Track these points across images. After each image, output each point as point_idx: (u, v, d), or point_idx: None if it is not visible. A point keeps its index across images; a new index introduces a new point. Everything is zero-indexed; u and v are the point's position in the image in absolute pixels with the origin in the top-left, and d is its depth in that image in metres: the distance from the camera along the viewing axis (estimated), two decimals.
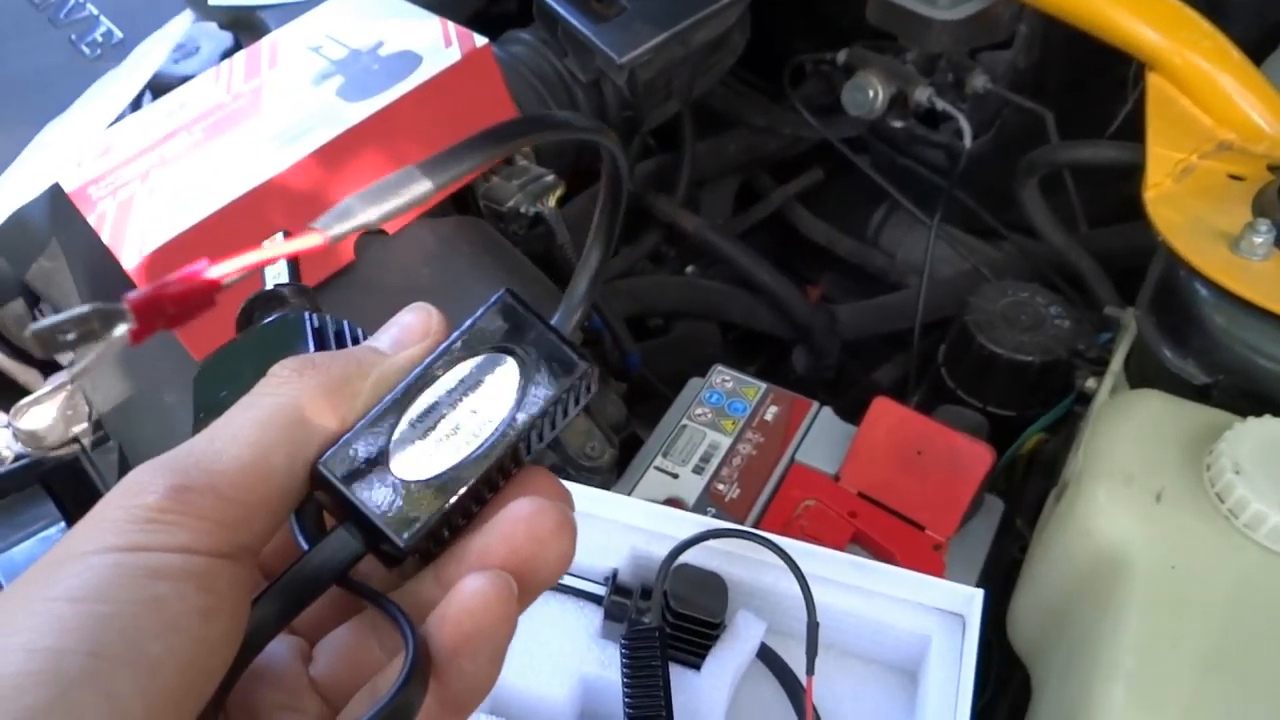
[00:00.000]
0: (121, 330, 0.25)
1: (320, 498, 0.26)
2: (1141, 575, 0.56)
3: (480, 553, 0.26)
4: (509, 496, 0.27)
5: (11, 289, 0.96)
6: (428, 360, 0.27)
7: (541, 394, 0.27)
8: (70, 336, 0.24)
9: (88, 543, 0.22)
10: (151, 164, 0.72)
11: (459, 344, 0.27)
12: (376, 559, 0.26)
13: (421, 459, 0.26)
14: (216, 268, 0.26)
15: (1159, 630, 0.54)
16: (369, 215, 0.27)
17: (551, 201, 0.77)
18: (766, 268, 1.04)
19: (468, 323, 0.28)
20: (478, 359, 0.27)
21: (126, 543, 0.22)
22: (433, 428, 0.26)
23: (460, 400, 0.27)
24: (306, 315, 0.32)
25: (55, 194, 0.75)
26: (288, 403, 0.26)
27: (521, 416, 0.27)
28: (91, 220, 0.70)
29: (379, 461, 0.26)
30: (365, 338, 0.32)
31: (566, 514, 0.26)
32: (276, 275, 0.34)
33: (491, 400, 0.27)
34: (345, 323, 0.33)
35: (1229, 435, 0.58)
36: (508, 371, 0.27)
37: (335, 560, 0.26)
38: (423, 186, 0.27)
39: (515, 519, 0.26)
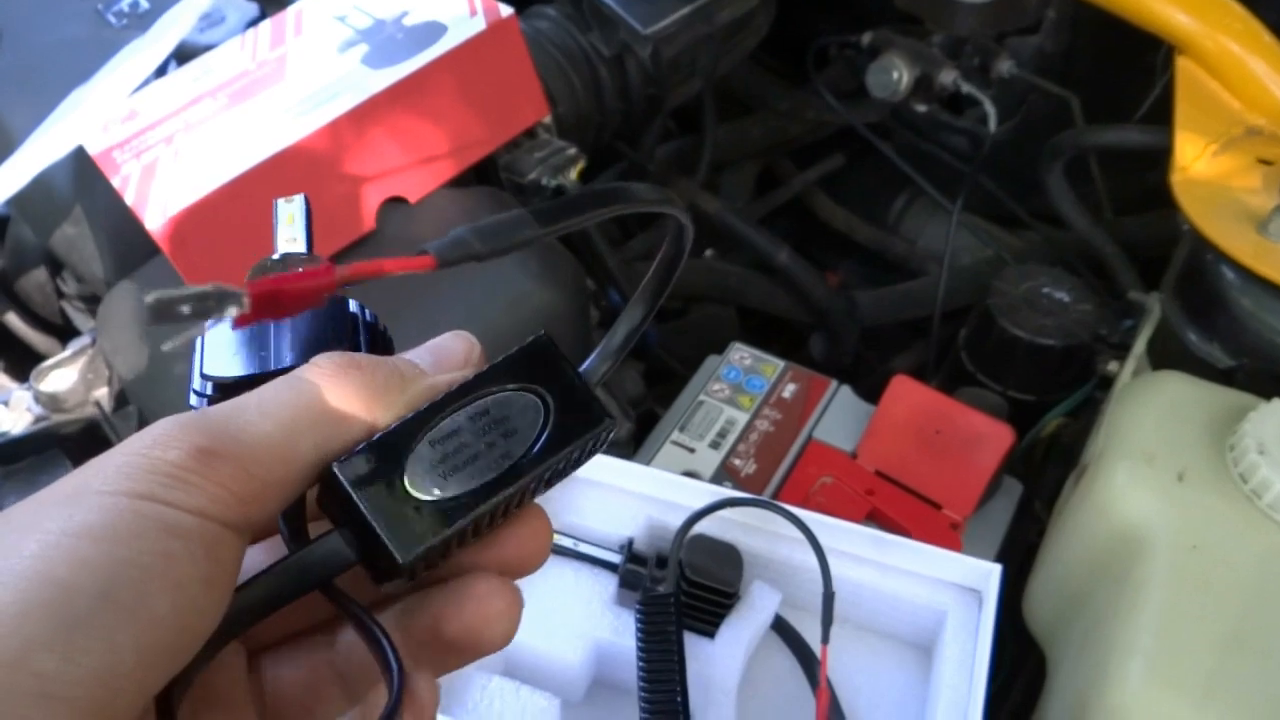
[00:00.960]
0: (233, 313, 0.25)
1: (322, 498, 0.26)
2: (1162, 555, 0.55)
3: (435, 615, 0.26)
4: (506, 533, 0.27)
5: (34, 256, 0.97)
6: (458, 385, 0.27)
7: (560, 441, 0.27)
8: (185, 310, 0.24)
9: (104, 482, 0.22)
10: (176, 129, 0.72)
11: (491, 376, 0.28)
12: (366, 572, 0.26)
13: (434, 480, 0.26)
14: (340, 270, 0.27)
15: (1179, 609, 0.54)
16: (478, 249, 0.28)
17: (573, 175, 0.77)
18: (786, 251, 1.03)
19: (503, 358, 0.28)
20: (506, 394, 0.27)
21: (145, 491, 0.22)
22: (450, 453, 0.26)
23: (482, 430, 0.27)
24: (360, 307, 0.31)
25: (79, 158, 0.75)
26: (328, 397, 0.26)
27: (537, 459, 0.27)
28: (115, 183, 0.70)
29: (393, 475, 0.26)
30: (390, 338, 0.32)
31: (516, 598, 0.27)
32: (291, 242, 0.32)
33: (511, 437, 0.27)
34: (381, 322, 0.33)
35: (1253, 416, 0.58)
36: (532, 412, 0.28)
37: (326, 564, 0.26)
38: (530, 233, 0.28)
39: (473, 597, 0.26)
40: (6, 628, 0.19)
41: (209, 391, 0.29)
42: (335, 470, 0.25)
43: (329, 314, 0.30)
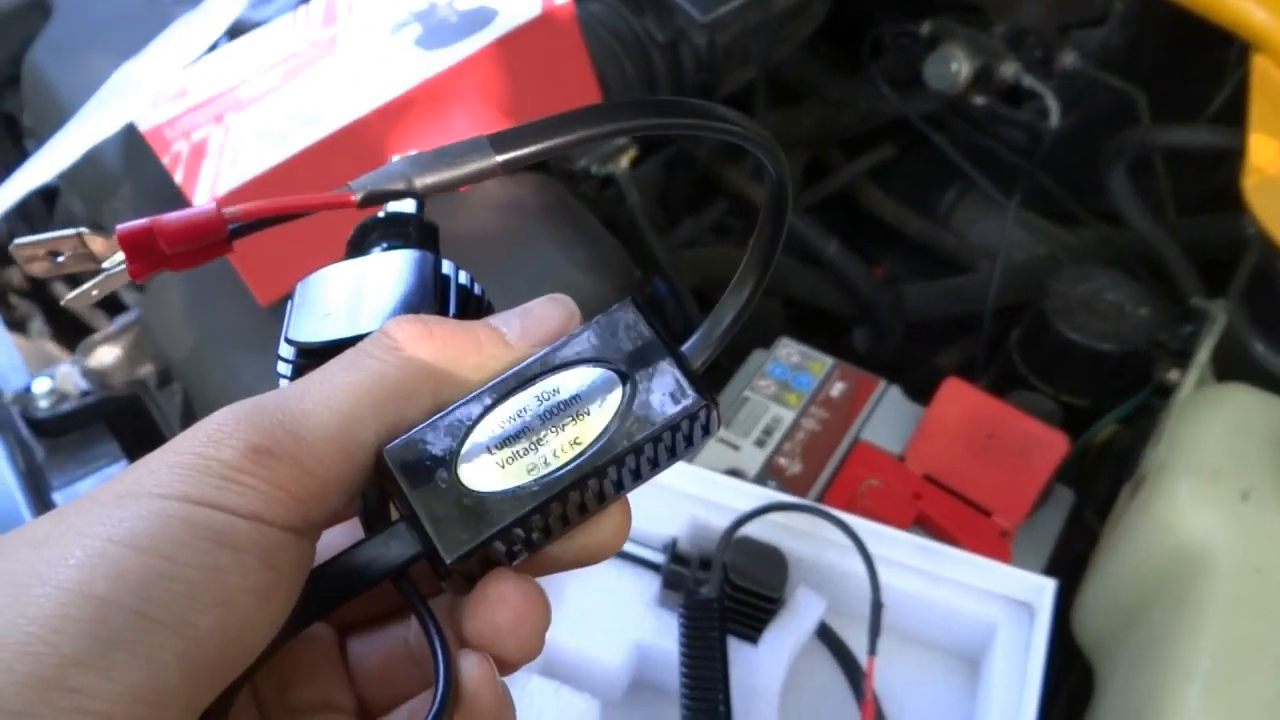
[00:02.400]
0: (115, 263, 0.23)
1: (384, 484, 0.24)
2: (1224, 576, 0.54)
3: (461, 614, 0.24)
4: (587, 532, 0.25)
5: (83, 227, 0.97)
6: (531, 359, 0.24)
7: (642, 426, 0.24)
8: (60, 259, 0.22)
9: (156, 483, 0.21)
10: (226, 107, 0.72)
11: (568, 350, 0.24)
12: (430, 565, 0.24)
13: (492, 470, 0.23)
14: (231, 209, 0.23)
15: (1241, 634, 0.52)
16: (414, 185, 0.23)
17: (624, 163, 0.76)
18: (833, 243, 1.02)
19: (581, 328, 0.25)
20: (581, 370, 0.24)
21: (198, 494, 0.21)
22: (513, 438, 0.23)
23: (550, 413, 0.24)
24: (447, 264, 0.28)
25: (129, 134, 0.75)
26: (393, 374, 0.23)
27: (609, 447, 0.23)
28: (165, 161, 0.70)
29: (447, 462, 0.23)
30: (488, 303, 0.28)
31: (533, 607, 0.24)
32: (400, 204, 0.29)
33: (584, 422, 0.24)
34: (475, 282, 0.29)
35: None
36: (611, 392, 0.24)
37: (391, 556, 0.24)
38: (484, 161, 0.23)
39: (486, 600, 0.24)
40: (46, 643, 0.18)
41: (293, 358, 0.27)
42: (385, 456, 0.23)
43: (417, 271, 0.27)
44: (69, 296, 0.24)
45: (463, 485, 0.23)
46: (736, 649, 0.55)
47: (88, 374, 0.76)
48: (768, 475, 0.69)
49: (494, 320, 0.25)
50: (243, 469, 0.21)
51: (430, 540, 0.23)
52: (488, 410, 0.24)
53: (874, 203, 1.15)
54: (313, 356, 0.26)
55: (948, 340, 1.06)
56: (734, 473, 0.69)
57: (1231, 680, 0.51)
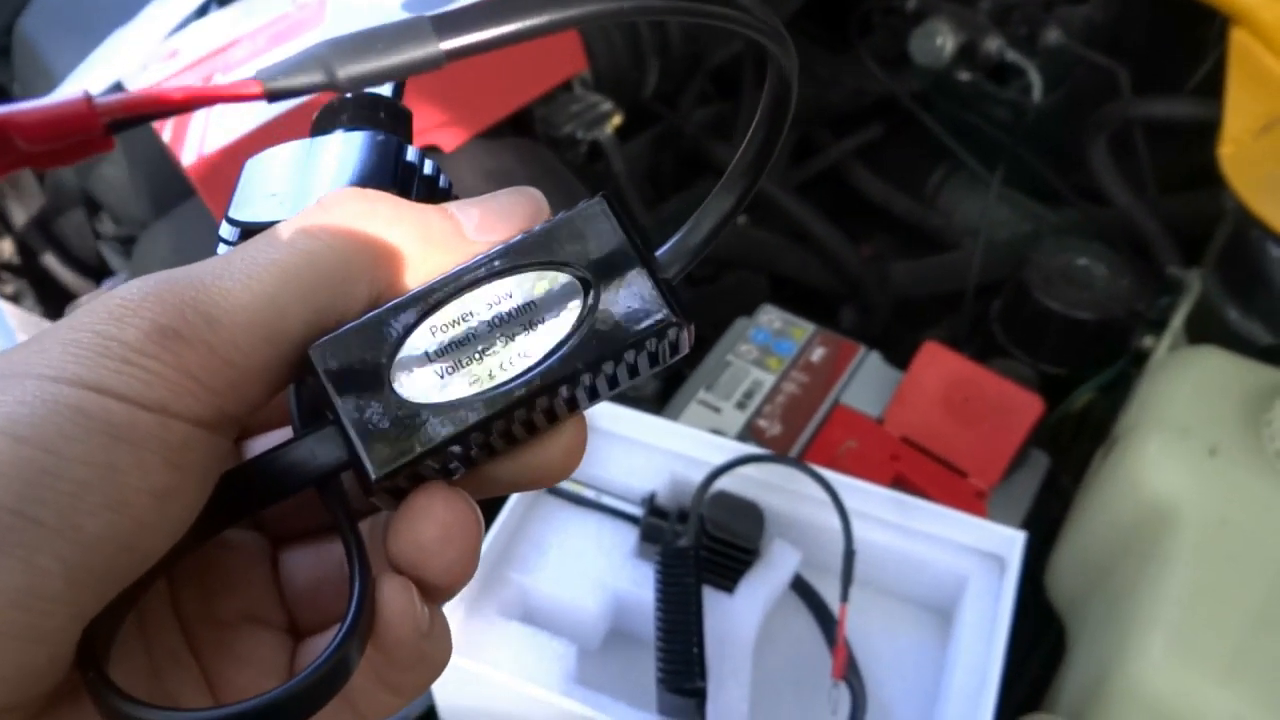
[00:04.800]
0: None
1: (310, 384, 0.21)
2: (1190, 529, 0.55)
3: (387, 529, 0.22)
4: (533, 452, 0.22)
5: (73, 197, 0.98)
6: (480, 256, 0.21)
7: (603, 342, 0.21)
8: None
9: (45, 363, 0.18)
10: (215, 69, 0.73)
11: (521, 248, 0.21)
12: (356, 478, 0.22)
13: (430, 380, 0.21)
14: (107, 99, 0.20)
15: (1205, 585, 0.53)
16: (335, 76, 0.20)
17: (609, 129, 0.77)
18: (820, 220, 1.02)
19: (542, 225, 0.22)
20: (538, 274, 0.21)
21: (94, 379, 0.18)
22: (455, 344, 0.21)
23: (499, 320, 0.21)
24: (412, 151, 0.25)
25: None
26: (326, 257, 0.20)
27: (565, 362, 0.21)
28: (153, 124, 0.70)
29: (380, 367, 0.21)
30: (455, 198, 0.24)
31: (461, 521, 0.21)
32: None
33: (538, 332, 0.21)
34: (443, 174, 0.26)
35: None
36: (569, 299, 0.21)
37: (316, 462, 0.21)
38: (422, 49, 0.20)
39: (413, 514, 0.21)
40: None
41: (235, 239, 0.24)
42: (310, 355, 0.20)
43: (378, 153, 0.24)
44: None
45: (396, 394, 0.21)
46: (713, 599, 0.56)
47: None
48: (748, 437, 0.70)
49: (451, 207, 0.22)
50: (147, 352, 0.18)
51: (356, 453, 0.21)
52: (430, 311, 0.21)
53: (861, 182, 1.15)
54: None
55: (934, 318, 1.07)
56: (715, 434, 0.70)
57: (1195, 629, 0.52)
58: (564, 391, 0.21)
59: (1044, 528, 0.72)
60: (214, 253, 0.23)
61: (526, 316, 0.21)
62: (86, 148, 0.21)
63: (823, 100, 1.12)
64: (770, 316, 0.78)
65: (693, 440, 0.61)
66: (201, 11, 0.81)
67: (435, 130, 0.74)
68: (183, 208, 0.76)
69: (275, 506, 0.22)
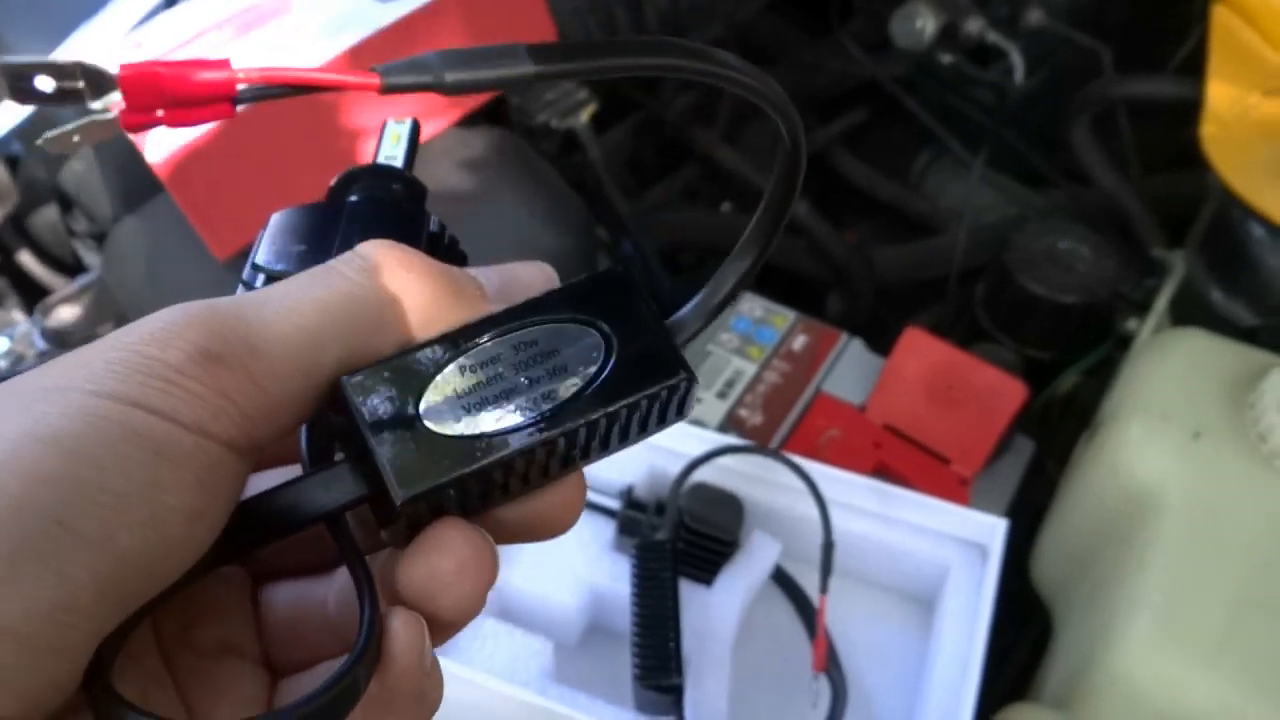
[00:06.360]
0: (110, 104, 0.21)
1: (332, 418, 0.22)
2: (1174, 513, 0.54)
3: (399, 563, 0.22)
4: (541, 499, 0.23)
5: (46, 194, 0.97)
6: (505, 309, 0.23)
7: (620, 389, 0.22)
8: (46, 85, 0.21)
9: (89, 377, 0.18)
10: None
11: (547, 303, 0.23)
12: (372, 513, 0.23)
13: (456, 415, 0.22)
14: (247, 70, 0.22)
15: (1189, 569, 0.52)
16: (443, 77, 0.22)
17: (584, 118, 0.76)
18: (805, 206, 1.01)
19: (565, 285, 0.24)
20: (561, 324, 0.23)
21: (137, 396, 0.18)
22: (483, 383, 0.22)
23: (525, 363, 0.22)
24: (430, 215, 0.27)
25: None
26: (365, 299, 0.21)
27: (586, 406, 0.22)
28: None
29: (409, 399, 0.22)
30: (466, 261, 0.27)
31: (479, 560, 0.22)
32: (389, 160, 0.29)
33: (559, 376, 0.22)
34: (458, 241, 0.28)
35: (1275, 374, 0.56)
36: (591, 351, 0.23)
37: (330, 496, 0.22)
38: (519, 68, 0.22)
39: (428, 549, 0.22)
40: None
41: (258, 284, 0.25)
42: (344, 385, 0.21)
43: (404, 218, 0.26)
44: (47, 135, 0.22)
45: (424, 425, 0.22)
46: (691, 592, 0.56)
47: (46, 334, 0.76)
48: (729, 426, 0.70)
49: (475, 272, 0.24)
50: (188, 374, 0.19)
51: (382, 478, 0.21)
52: (459, 353, 0.22)
53: (846, 167, 1.14)
54: None
55: (922, 304, 1.06)
56: (695, 425, 0.69)
57: (1179, 614, 0.51)
58: (581, 437, 0.23)
59: (1029, 514, 0.71)
60: (219, 278, 0.24)
61: (549, 363, 0.23)
62: (214, 110, 0.22)
63: (807, 86, 1.11)
64: (751, 305, 0.77)
65: (670, 432, 0.60)
66: (169, 3, 0.80)
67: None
68: (152, 204, 0.75)
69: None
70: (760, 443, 0.68)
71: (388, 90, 0.22)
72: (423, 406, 0.22)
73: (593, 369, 0.23)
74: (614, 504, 0.58)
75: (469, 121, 0.77)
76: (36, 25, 0.89)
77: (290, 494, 0.22)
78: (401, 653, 0.21)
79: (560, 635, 0.55)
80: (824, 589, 0.53)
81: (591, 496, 0.59)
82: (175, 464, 0.18)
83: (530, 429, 0.22)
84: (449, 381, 0.22)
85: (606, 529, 0.58)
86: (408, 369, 0.22)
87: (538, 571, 0.56)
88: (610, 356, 0.23)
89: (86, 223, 0.94)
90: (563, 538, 0.57)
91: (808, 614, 0.58)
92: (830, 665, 0.54)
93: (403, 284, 0.22)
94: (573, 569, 0.56)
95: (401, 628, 0.21)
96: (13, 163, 1.01)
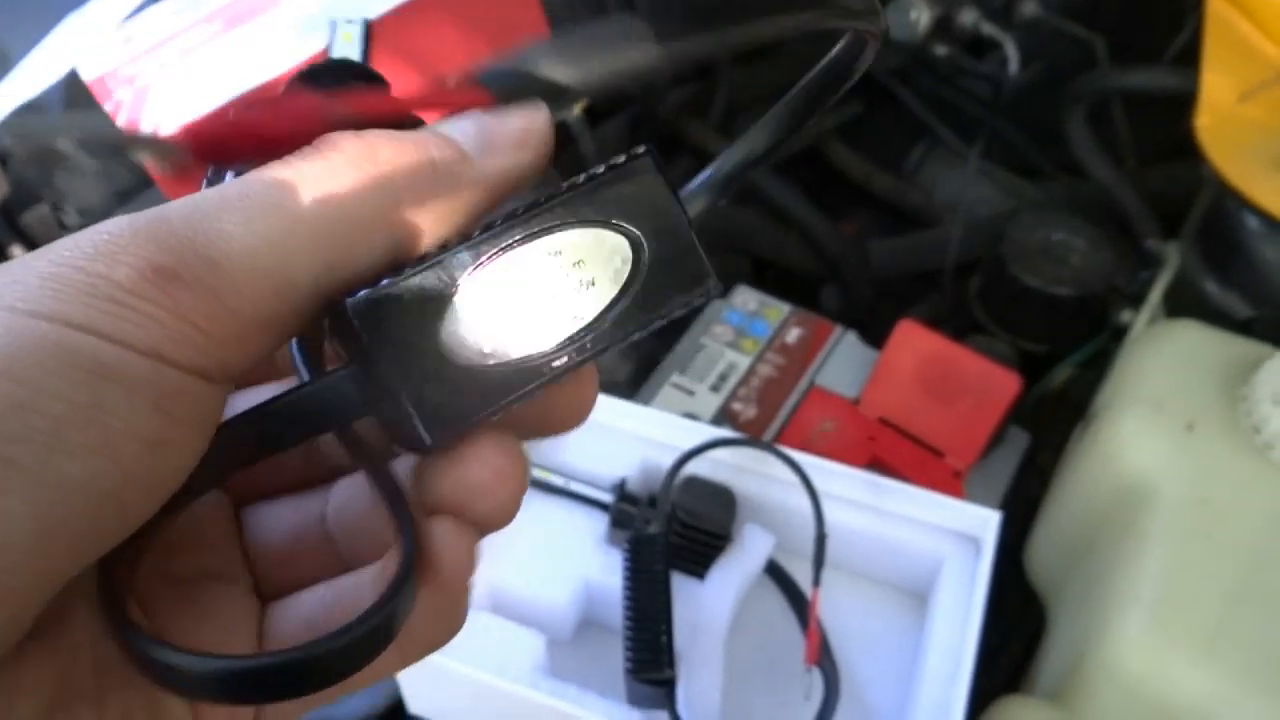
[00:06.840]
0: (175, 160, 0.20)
1: (334, 332, 0.20)
2: (1168, 505, 0.54)
3: (427, 469, 0.21)
4: (558, 397, 0.21)
5: (36, 189, 0.96)
6: (526, 204, 0.20)
7: (650, 303, 0.21)
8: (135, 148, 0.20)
9: (20, 297, 0.16)
10: (171, 54, 0.71)
11: (572, 203, 0.20)
12: (381, 426, 0.21)
13: (478, 339, 0.20)
14: (333, 101, 0.19)
15: (1183, 561, 0.52)
16: (561, 81, 0.20)
17: (576, 110, 0.75)
18: (800, 200, 1.01)
19: (588, 177, 0.21)
20: (587, 230, 0.21)
21: (81, 318, 0.16)
22: (505, 304, 0.20)
23: (552, 279, 0.20)
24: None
25: (71, 83, 0.74)
26: (337, 200, 0.18)
27: (619, 325, 0.21)
28: (108, 108, 0.69)
29: (428, 326, 0.19)
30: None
31: (519, 465, 0.21)
32: (346, 51, 0.27)
33: (589, 290, 0.21)
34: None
35: (1269, 366, 0.56)
36: (619, 260, 0.21)
37: (339, 405, 0.20)
38: (644, 54, 0.20)
39: (469, 457, 0.20)
40: None
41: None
42: (349, 311, 0.19)
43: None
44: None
45: (447, 356, 0.19)
46: (683, 585, 0.55)
47: None
48: (723, 420, 0.69)
49: (444, 127, 0.20)
50: (140, 293, 0.17)
51: (407, 416, 0.19)
52: (477, 267, 0.20)
53: (841, 160, 1.14)
54: None
55: (918, 297, 1.06)
56: (689, 417, 0.69)
57: (1174, 606, 0.51)
58: (609, 353, 0.21)
59: (1023, 507, 0.71)
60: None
61: (577, 276, 0.21)
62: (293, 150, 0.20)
63: (800, 77, 1.11)
64: (745, 298, 0.77)
65: (664, 425, 0.60)
66: None
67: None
68: (142, 197, 0.75)
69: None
70: (754, 435, 0.68)
71: (499, 104, 0.19)
72: (442, 334, 0.19)
73: (621, 281, 0.21)
74: (606, 497, 0.58)
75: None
76: (24, 15, 0.88)
77: (292, 405, 0.20)
78: (451, 561, 0.19)
79: (553, 629, 0.55)
80: (817, 582, 0.53)
81: (583, 490, 0.59)
82: (126, 388, 0.16)
83: (560, 353, 0.20)
84: (468, 302, 0.20)
85: (599, 523, 0.58)
86: (423, 290, 0.19)
87: (530, 565, 0.56)
88: (639, 265, 0.21)
89: (78, 217, 0.93)
90: (555, 532, 0.56)
91: (801, 607, 0.58)
92: (823, 658, 0.54)
93: (377, 175, 0.19)
94: (566, 563, 0.56)
95: (449, 537, 0.19)
96: (2, 158, 1.00)
